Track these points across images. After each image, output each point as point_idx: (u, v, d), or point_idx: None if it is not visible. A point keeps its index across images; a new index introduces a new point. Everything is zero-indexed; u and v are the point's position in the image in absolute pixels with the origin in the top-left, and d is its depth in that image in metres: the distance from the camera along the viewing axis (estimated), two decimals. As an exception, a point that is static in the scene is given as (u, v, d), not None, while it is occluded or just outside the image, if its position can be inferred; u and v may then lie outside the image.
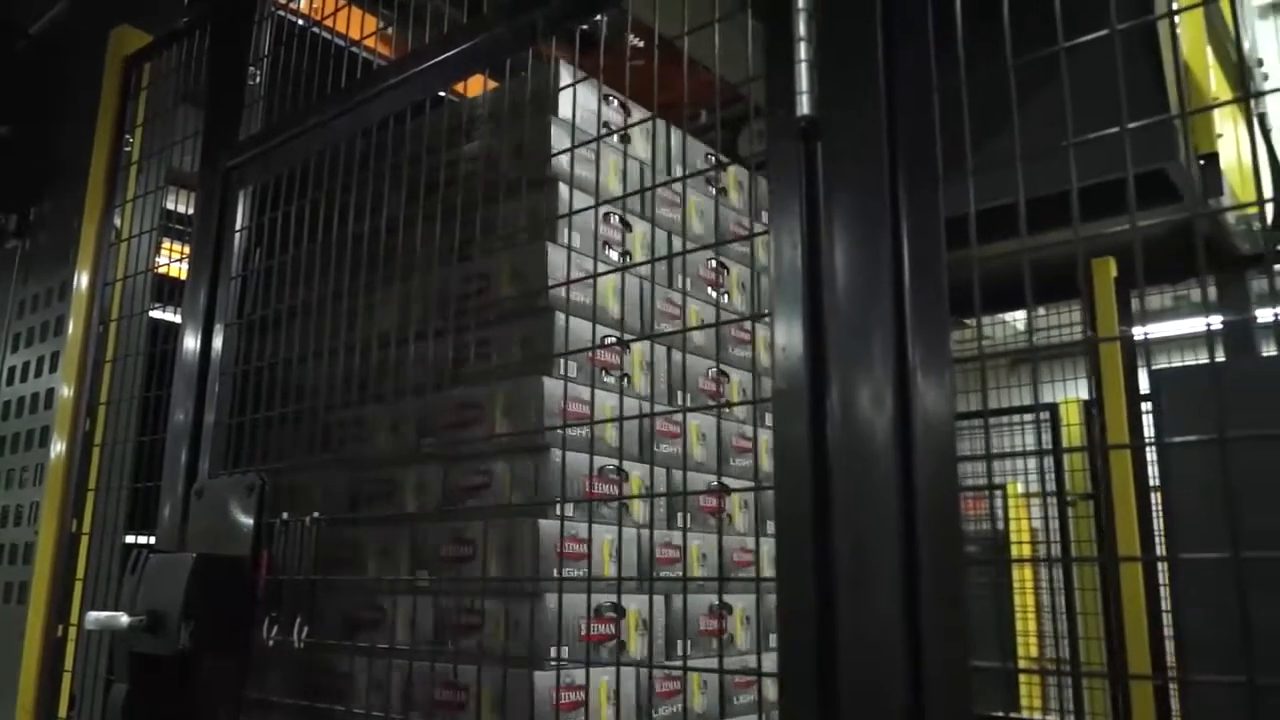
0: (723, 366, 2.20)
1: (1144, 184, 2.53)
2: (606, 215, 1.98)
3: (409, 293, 1.92)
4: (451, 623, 1.73)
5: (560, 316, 1.80)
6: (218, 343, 1.86)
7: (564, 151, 1.90)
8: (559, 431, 1.68)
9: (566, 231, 1.86)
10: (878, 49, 1.07)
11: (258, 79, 2.01)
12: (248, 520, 1.67)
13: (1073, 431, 4.02)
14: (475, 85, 2.28)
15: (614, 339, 1.90)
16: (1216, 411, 0.93)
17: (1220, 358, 2.95)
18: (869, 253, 1.05)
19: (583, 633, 1.65)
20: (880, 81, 1.07)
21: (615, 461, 1.82)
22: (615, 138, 2.06)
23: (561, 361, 1.77)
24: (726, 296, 2.31)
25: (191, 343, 1.91)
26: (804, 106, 1.09)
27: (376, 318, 2.00)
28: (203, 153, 2.04)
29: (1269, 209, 3.11)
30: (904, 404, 1.00)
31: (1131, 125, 0.95)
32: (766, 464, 2.20)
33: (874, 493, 1.00)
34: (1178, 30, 2.65)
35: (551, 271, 1.81)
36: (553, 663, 1.59)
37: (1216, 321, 2.93)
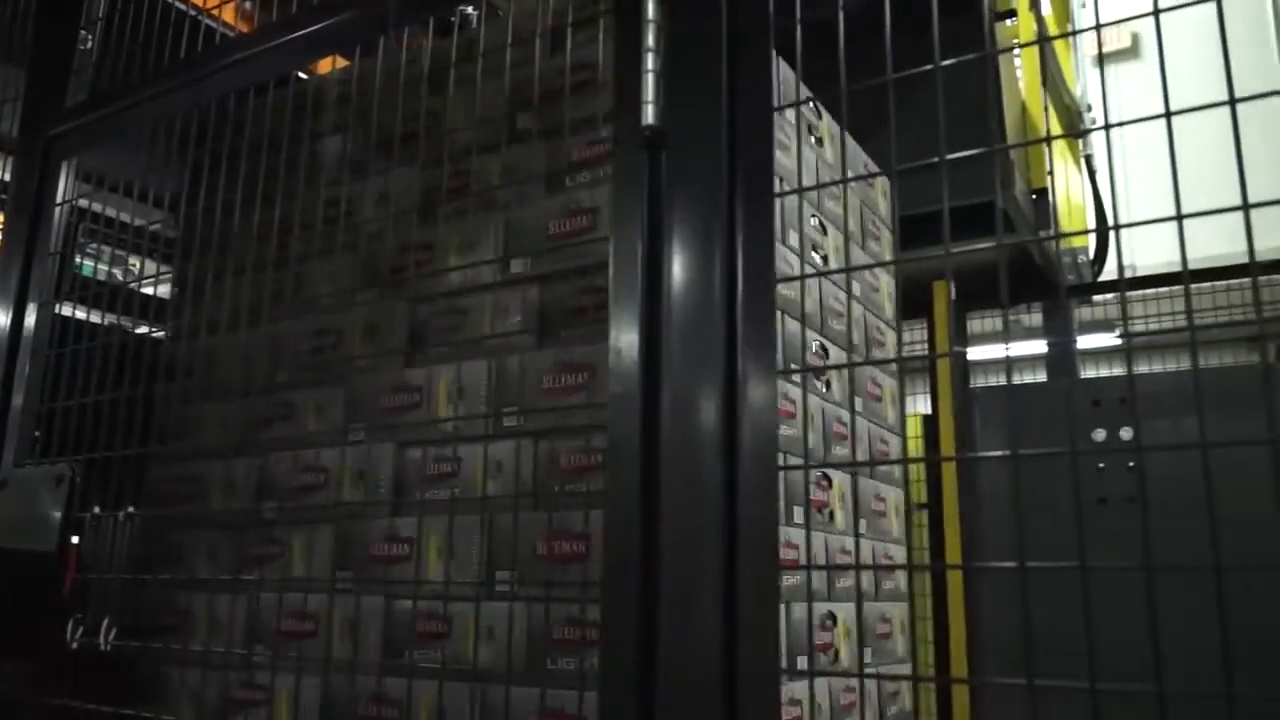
0: (824, 341, 1.87)
1: (980, 213, 2.69)
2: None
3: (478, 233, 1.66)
4: (550, 636, 1.42)
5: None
6: (30, 322, 1.73)
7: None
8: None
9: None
10: (722, 65, 1.10)
11: (89, 43, 1.89)
12: (55, 514, 1.56)
13: (913, 444, 4.22)
14: (325, 65, 2.20)
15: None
16: (1011, 429, 1.00)
17: (1042, 378, 3.16)
18: (705, 262, 1.07)
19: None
20: (723, 96, 1.09)
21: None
22: None
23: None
24: (823, 259, 1.96)
25: (1, 320, 1.76)
26: (649, 116, 1.11)
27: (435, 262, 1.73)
28: (23, 118, 1.89)
29: (1087, 242, 3.36)
30: (731, 411, 1.03)
31: (950, 156, 1.00)
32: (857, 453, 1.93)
33: (700, 496, 1.03)
34: (1016, 72, 2.83)
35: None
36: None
37: (1016, 347, 3.14)
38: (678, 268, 1.08)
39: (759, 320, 1.05)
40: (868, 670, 1.68)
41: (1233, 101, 0.86)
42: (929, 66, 1.00)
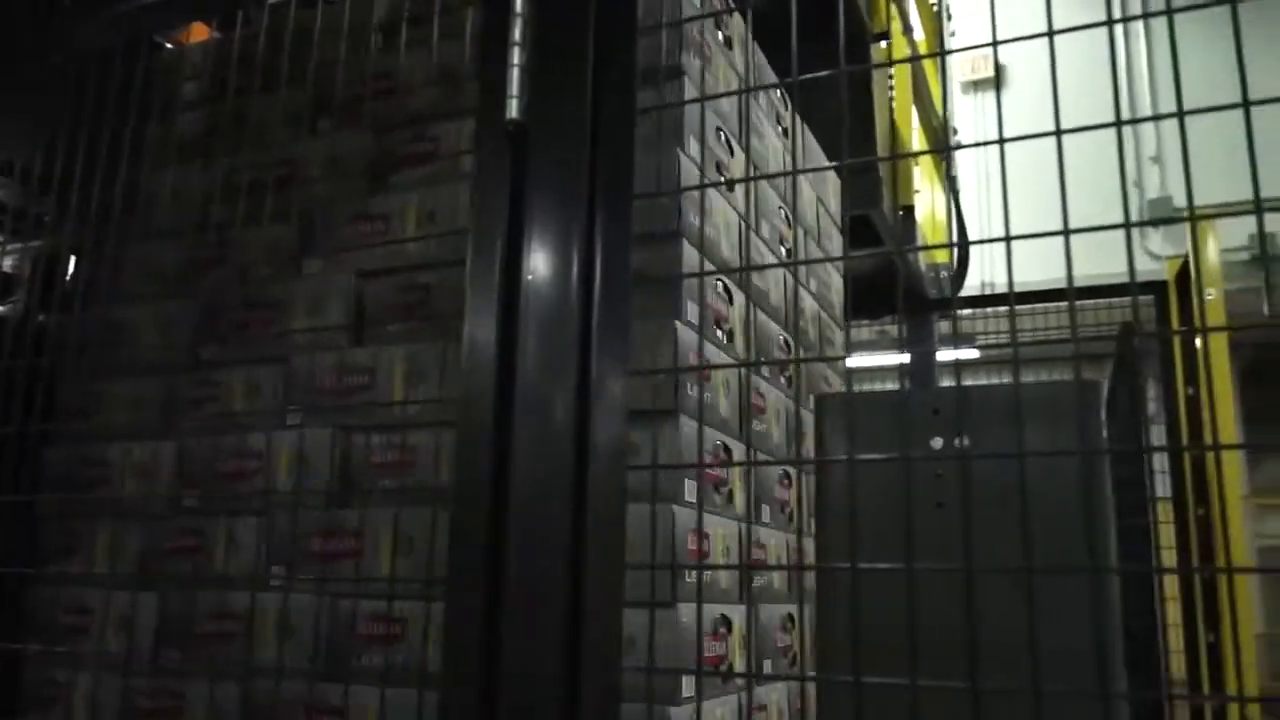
0: (787, 335, 1.87)
1: (857, 224, 2.78)
2: (717, 130, 1.60)
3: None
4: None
5: (689, 248, 1.40)
6: None
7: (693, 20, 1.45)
8: (688, 395, 1.37)
9: (697, 142, 1.45)
10: (588, 64, 1.10)
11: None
12: None
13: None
14: (199, 31, 2.10)
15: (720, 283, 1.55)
16: (850, 435, 1.04)
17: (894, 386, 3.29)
18: (563, 261, 1.07)
19: (706, 653, 1.33)
20: (588, 95, 1.09)
21: (725, 438, 1.49)
22: (720, 38, 1.66)
23: (689, 304, 1.41)
24: (788, 252, 1.92)
25: None
26: (513, 110, 1.10)
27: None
28: None
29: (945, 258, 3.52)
30: (584, 411, 1.03)
31: (803, 171, 1.03)
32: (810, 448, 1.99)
33: (549, 496, 1.02)
34: (889, 92, 2.94)
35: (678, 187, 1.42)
36: (688, 697, 1.25)
37: (890, 357, 3.27)
38: (536, 265, 1.08)
39: (614, 321, 1.05)
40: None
41: (1059, 133, 0.91)
42: (789, 80, 1.03)
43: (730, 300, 1.57)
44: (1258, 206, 0.85)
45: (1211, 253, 2.32)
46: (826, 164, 2.08)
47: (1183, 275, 2.54)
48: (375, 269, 1.62)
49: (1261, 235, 0.89)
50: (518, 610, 1.01)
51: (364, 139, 1.72)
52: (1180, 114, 0.86)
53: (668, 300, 1.42)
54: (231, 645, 1.50)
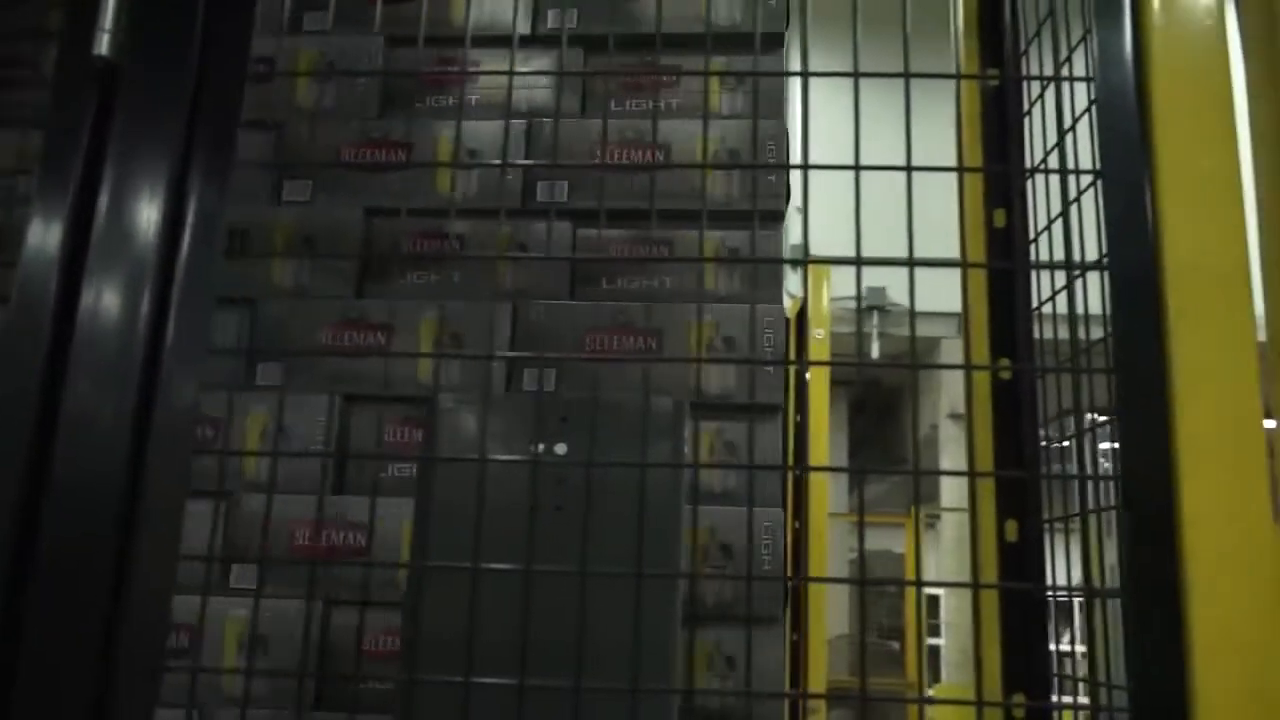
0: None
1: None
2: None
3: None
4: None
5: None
6: None
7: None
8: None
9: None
10: (199, 6, 1.00)
11: None
12: None
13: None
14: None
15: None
16: (463, 439, 1.04)
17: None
18: (146, 221, 0.96)
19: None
20: (197, 42, 1.00)
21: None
22: None
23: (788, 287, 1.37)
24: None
25: None
26: (103, 45, 0.98)
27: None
28: None
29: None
30: (149, 389, 0.93)
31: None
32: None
33: (99, 473, 0.91)
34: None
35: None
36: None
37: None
38: (112, 223, 0.96)
39: (197, 294, 0.97)
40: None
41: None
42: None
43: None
44: (858, 258, 0.95)
45: (823, 297, 2.63)
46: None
47: (802, 315, 2.85)
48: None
49: (858, 285, 1.01)
50: (49, 596, 0.89)
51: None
52: (805, 167, 0.95)
53: (772, 284, 1.34)
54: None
